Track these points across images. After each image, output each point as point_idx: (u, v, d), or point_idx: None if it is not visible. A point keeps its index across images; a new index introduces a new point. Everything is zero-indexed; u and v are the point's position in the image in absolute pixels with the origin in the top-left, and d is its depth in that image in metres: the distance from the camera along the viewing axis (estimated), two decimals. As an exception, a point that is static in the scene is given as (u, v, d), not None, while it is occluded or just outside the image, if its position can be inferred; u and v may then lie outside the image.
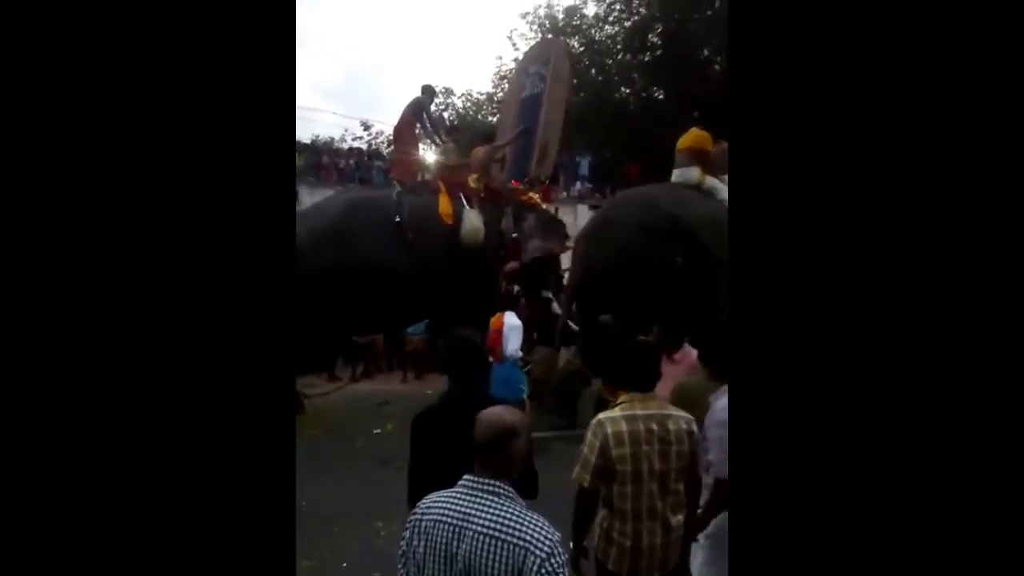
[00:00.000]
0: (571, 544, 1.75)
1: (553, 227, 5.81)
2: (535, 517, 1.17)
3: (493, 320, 4.29)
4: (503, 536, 1.13)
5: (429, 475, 1.46)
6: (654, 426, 1.64)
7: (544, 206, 6.16)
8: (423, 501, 1.22)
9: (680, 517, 1.72)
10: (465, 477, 1.22)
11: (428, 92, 6.41)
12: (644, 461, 1.62)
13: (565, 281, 5.65)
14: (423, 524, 1.18)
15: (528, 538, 1.12)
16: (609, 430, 1.62)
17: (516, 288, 6.09)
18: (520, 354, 4.26)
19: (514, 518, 1.16)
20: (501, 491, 1.19)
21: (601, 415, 1.69)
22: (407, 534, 1.20)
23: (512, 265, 5.85)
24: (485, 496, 1.18)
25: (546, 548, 1.12)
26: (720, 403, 1.79)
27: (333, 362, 6.86)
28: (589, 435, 1.66)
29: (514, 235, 5.67)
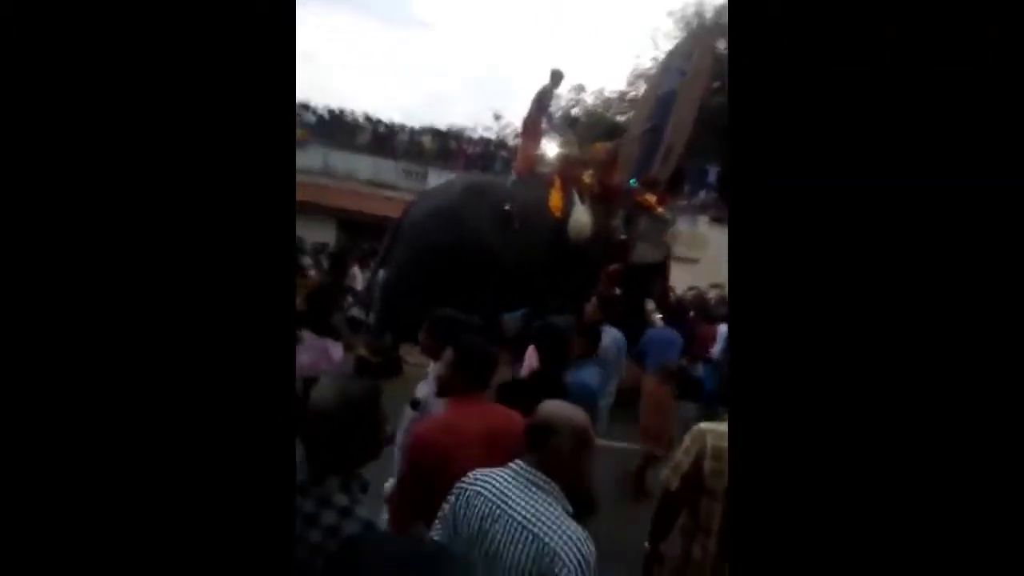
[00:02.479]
0: (646, 545, 1.67)
1: (659, 234, 5.52)
2: (573, 525, 1.12)
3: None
4: (536, 532, 1.10)
5: None
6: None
7: (660, 211, 5.87)
8: (473, 472, 1.23)
9: None
10: (515, 461, 1.21)
11: (555, 78, 6.34)
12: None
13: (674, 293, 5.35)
14: (467, 493, 1.19)
15: (561, 544, 1.08)
16: (710, 442, 1.50)
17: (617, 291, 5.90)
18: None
19: (552, 517, 1.12)
20: (545, 486, 1.15)
21: (703, 424, 1.58)
22: (451, 498, 1.21)
23: (615, 267, 5.68)
24: (528, 485, 1.16)
25: (575, 560, 1.06)
26: None
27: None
28: (687, 440, 1.56)
29: (623, 236, 5.49)
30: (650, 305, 5.50)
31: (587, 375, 3.84)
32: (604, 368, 3.22)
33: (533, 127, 6.17)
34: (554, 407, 1.24)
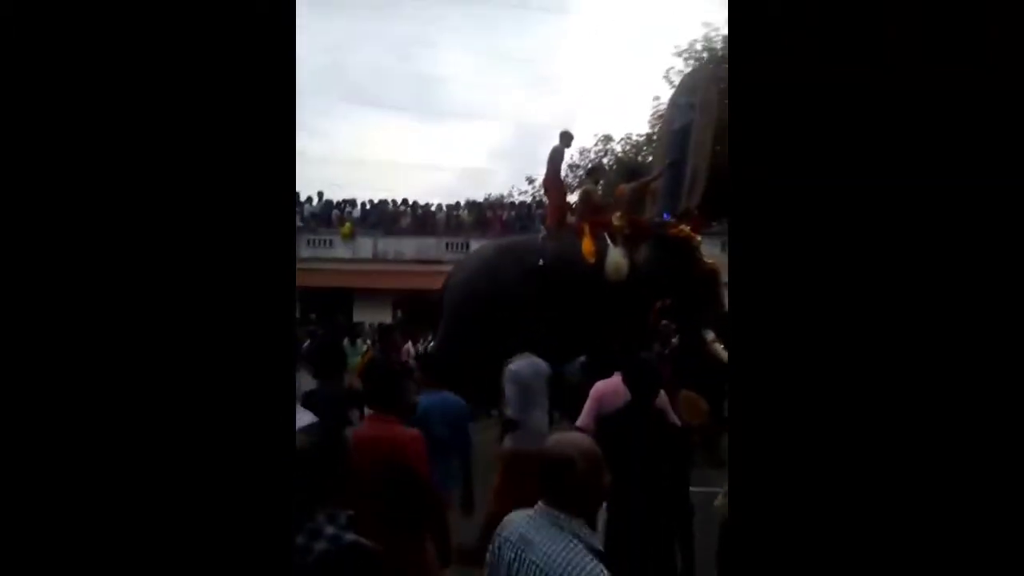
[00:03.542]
0: None
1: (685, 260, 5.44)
2: (589, 564, 1.09)
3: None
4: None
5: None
6: None
7: (697, 238, 5.79)
8: (507, 517, 1.24)
9: None
10: (540, 502, 1.20)
11: (564, 138, 6.63)
12: None
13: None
14: (499, 540, 1.20)
15: None
16: None
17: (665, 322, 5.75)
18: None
19: (567, 559, 1.10)
20: (565, 524, 1.14)
21: None
22: (491, 546, 1.23)
23: (663, 300, 5.57)
24: (548, 527, 1.15)
25: None
26: None
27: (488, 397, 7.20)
28: None
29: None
30: (709, 335, 5.32)
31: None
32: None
33: (552, 184, 6.41)
34: (561, 440, 1.23)
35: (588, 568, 1.09)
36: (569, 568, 1.08)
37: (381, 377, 2.75)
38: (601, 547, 1.15)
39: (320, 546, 1.08)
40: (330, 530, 1.12)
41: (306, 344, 5.48)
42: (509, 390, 3.22)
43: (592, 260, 5.41)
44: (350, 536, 1.13)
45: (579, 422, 2.63)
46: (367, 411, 3.44)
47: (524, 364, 3.16)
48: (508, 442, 3.14)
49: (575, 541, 1.12)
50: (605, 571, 1.09)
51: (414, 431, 2.03)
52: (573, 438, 1.25)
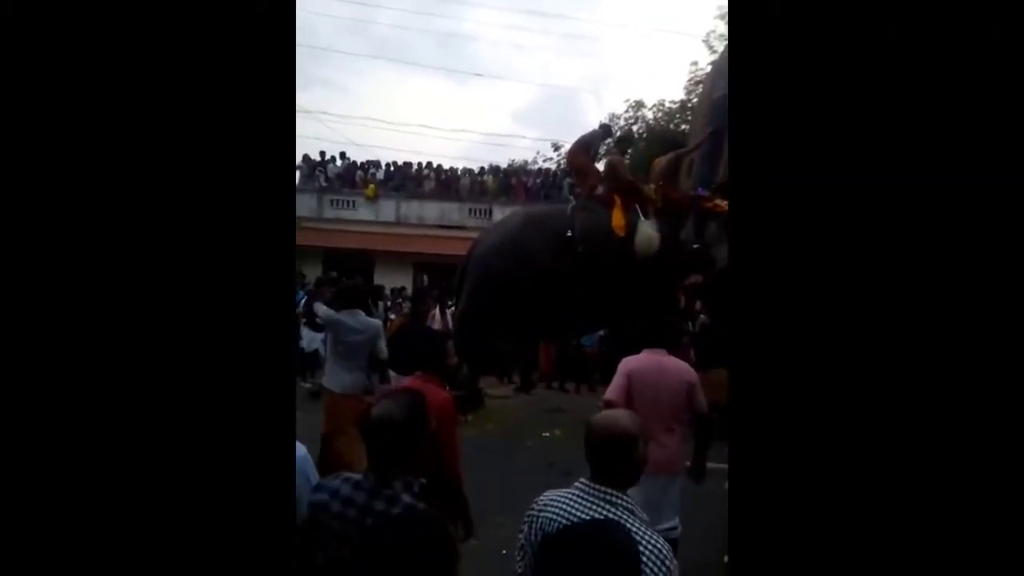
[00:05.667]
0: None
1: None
2: (654, 536, 1.10)
3: None
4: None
5: None
6: None
7: (732, 213, 5.55)
8: (541, 497, 1.23)
9: None
10: (581, 480, 1.19)
11: (604, 130, 6.48)
12: None
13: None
14: (540, 520, 1.18)
15: (644, 559, 1.04)
16: None
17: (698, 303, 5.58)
18: None
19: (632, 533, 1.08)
20: (617, 500, 1.13)
21: None
22: (524, 528, 1.20)
23: (694, 278, 5.39)
24: (600, 504, 1.14)
25: (661, 571, 1.04)
26: None
27: (509, 367, 7.25)
28: None
29: (695, 246, 5.22)
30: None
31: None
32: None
33: (578, 164, 6.10)
34: (612, 419, 1.21)
35: (655, 543, 1.09)
36: (639, 542, 1.07)
37: (425, 340, 2.79)
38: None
39: (396, 511, 1.10)
40: (407, 498, 1.13)
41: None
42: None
43: (622, 234, 5.23)
44: (422, 506, 1.14)
45: (610, 395, 2.63)
46: (392, 375, 3.68)
47: (346, 316, 3.16)
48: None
49: (634, 519, 1.12)
50: (667, 544, 1.10)
51: (447, 395, 2.09)
52: (623, 416, 1.23)
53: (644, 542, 1.07)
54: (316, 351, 6.11)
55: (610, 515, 1.11)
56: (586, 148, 6.14)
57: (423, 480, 1.19)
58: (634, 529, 1.09)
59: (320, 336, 5.23)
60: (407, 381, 2.20)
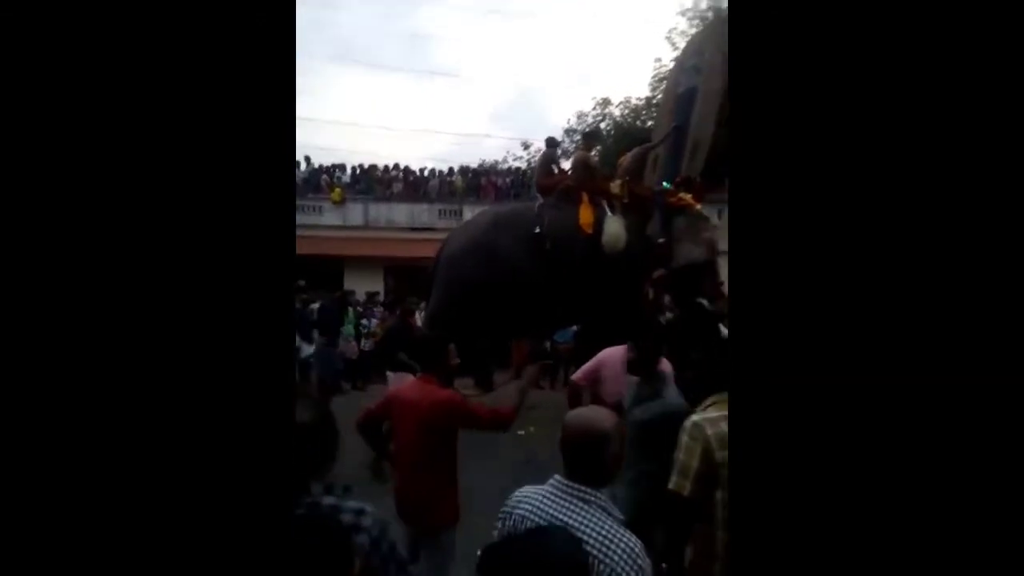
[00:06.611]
0: (663, 566, 1.61)
1: (698, 232, 5.26)
2: (626, 535, 1.08)
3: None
4: (592, 551, 1.05)
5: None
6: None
7: (697, 208, 5.62)
8: (515, 494, 1.21)
9: None
10: (555, 477, 1.18)
11: (550, 143, 6.49)
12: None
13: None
14: (513, 518, 1.16)
15: (615, 558, 1.04)
16: (710, 432, 1.43)
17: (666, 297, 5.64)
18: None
19: (604, 532, 1.07)
20: (591, 498, 1.12)
21: (695, 417, 1.50)
22: (499, 524, 1.19)
23: (660, 272, 5.45)
24: (573, 501, 1.12)
25: (632, 570, 1.03)
26: None
27: (484, 368, 7.21)
28: (686, 439, 1.47)
29: (660, 240, 5.28)
30: (702, 301, 5.21)
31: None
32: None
33: (552, 183, 5.96)
34: (587, 417, 1.20)
35: (628, 541, 1.08)
36: (611, 542, 1.07)
37: (425, 342, 2.78)
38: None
39: (326, 513, 1.06)
40: (330, 500, 1.09)
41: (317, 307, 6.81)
42: None
43: (589, 231, 5.26)
44: (353, 504, 1.10)
45: (576, 376, 2.87)
46: (390, 374, 3.83)
47: None
48: None
49: (606, 517, 1.11)
50: (640, 543, 1.09)
51: (449, 391, 2.16)
52: (599, 413, 1.22)
53: (616, 541, 1.06)
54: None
55: (583, 513, 1.10)
56: (548, 169, 6.16)
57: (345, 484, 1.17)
58: (606, 528, 1.08)
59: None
60: (407, 381, 2.23)
